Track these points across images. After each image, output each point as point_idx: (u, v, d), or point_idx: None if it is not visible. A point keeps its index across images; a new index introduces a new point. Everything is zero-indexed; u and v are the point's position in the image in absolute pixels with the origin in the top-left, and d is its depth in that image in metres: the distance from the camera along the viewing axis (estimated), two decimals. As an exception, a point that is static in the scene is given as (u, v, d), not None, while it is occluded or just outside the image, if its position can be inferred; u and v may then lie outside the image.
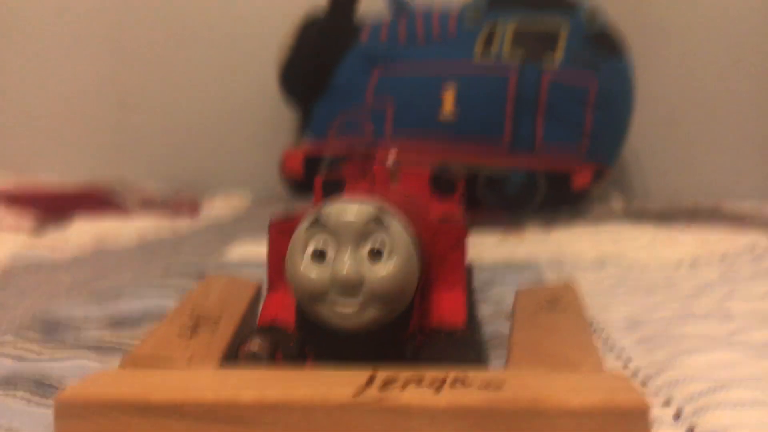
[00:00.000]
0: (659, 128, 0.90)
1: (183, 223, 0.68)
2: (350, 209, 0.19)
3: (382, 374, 0.17)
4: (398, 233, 0.19)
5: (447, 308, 0.21)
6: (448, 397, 0.16)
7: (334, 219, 0.19)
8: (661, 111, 0.90)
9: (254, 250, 0.52)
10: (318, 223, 0.19)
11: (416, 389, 0.17)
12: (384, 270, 0.19)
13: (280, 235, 0.22)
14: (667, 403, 0.22)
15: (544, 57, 0.74)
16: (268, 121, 0.94)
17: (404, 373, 0.17)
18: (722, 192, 0.84)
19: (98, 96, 0.96)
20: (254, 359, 0.19)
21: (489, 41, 0.77)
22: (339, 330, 0.19)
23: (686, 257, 0.46)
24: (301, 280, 0.19)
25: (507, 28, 0.76)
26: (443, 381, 0.17)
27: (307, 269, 0.19)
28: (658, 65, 0.89)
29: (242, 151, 0.95)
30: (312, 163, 0.81)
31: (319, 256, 0.19)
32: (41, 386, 0.24)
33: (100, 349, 0.29)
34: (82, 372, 0.26)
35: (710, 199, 0.80)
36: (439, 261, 0.22)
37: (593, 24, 0.76)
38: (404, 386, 0.17)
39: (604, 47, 0.76)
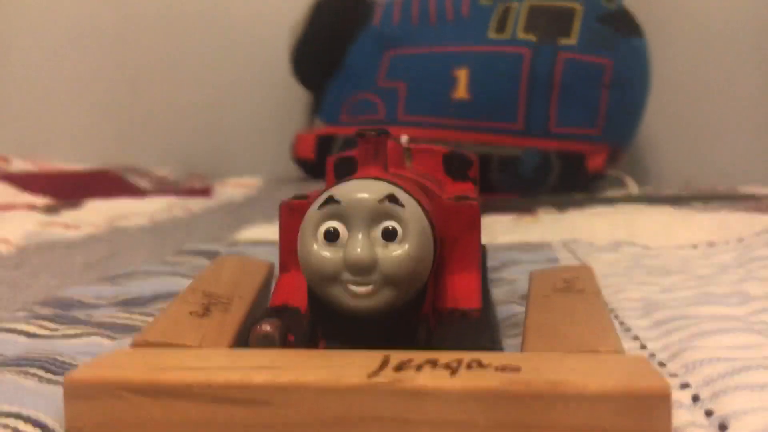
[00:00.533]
0: (674, 111, 0.89)
1: (195, 205, 0.68)
2: (363, 189, 0.19)
3: (396, 356, 0.17)
4: (412, 213, 0.19)
5: (461, 290, 0.21)
6: (463, 379, 0.16)
7: (346, 199, 0.19)
8: (677, 94, 0.89)
9: (267, 231, 0.52)
10: (330, 203, 0.19)
11: (431, 371, 0.16)
12: (398, 251, 0.18)
13: (292, 215, 0.21)
14: (684, 385, 0.22)
15: (558, 37, 0.74)
16: (279, 104, 0.93)
17: (419, 355, 0.17)
18: (738, 177, 0.83)
19: (110, 80, 0.96)
20: (266, 341, 0.19)
21: (503, 21, 0.76)
22: (351, 312, 0.19)
23: (703, 239, 0.46)
24: (313, 261, 0.19)
25: (521, 8, 0.75)
26: (459, 363, 0.17)
27: (319, 250, 0.19)
28: (675, 47, 0.88)
29: (254, 133, 0.95)
30: (324, 145, 0.80)
31: (332, 236, 0.19)
32: (54, 364, 0.24)
33: (112, 327, 0.29)
34: (95, 350, 0.26)
35: (726, 184, 0.79)
36: (453, 242, 0.21)
37: (609, 4, 0.75)
38: (419, 368, 0.17)
39: (619, 27, 0.75)
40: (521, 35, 0.75)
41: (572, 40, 0.73)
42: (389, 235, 0.18)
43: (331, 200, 0.19)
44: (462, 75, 0.76)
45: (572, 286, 0.21)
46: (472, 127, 0.75)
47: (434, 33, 0.78)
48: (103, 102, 0.96)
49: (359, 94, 0.80)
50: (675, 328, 0.26)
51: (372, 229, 0.19)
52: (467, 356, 0.17)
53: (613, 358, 0.17)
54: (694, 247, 0.45)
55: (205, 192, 0.78)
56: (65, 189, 0.70)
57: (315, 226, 0.19)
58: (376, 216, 0.19)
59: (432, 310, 0.20)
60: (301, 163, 0.83)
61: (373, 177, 0.19)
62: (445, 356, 0.17)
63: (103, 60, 0.96)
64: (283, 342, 0.19)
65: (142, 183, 0.80)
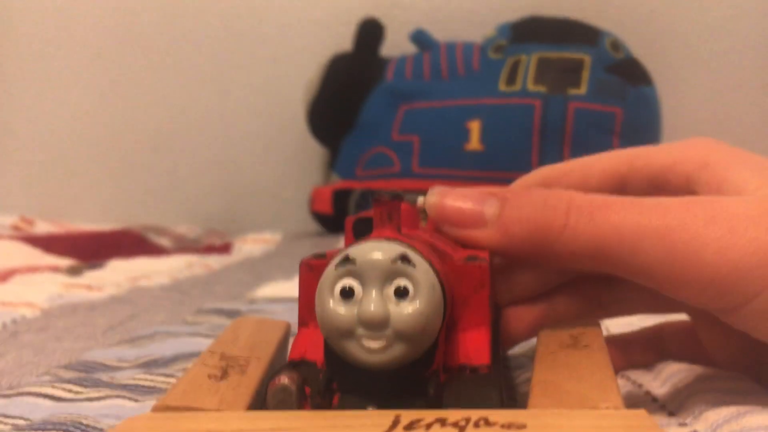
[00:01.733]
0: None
1: (215, 262, 0.69)
2: (377, 249, 0.20)
3: (407, 415, 0.18)
4: (423, 273, 0.20)
5: (471, 347, 0.21)
6: (471, 436, 0.16)
7: (361, 259, 0.19)
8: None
9: (285, 288, 0.53)
10: (346, 263, 0.20)
11: (441, 429, 0.17)
12: (409, 309, 0.19)
13: (311, 273, 0.22)
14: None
15: (568, 88, 0.75)
16: (296, 160, 0.95)
17: (429, 414, 0.18)
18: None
19: (129, 141, 0.98)
20: (283, 394, 0.20)
21: (513, 74, 0.77)
22: (365, 366, 0.19)
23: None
24: (329, 317, 0.19)
25: (530, 61, 0.77)
26: (467, 421, 0.17)
27: (335, 307, 0.19)
28: (684, 94, 0.89)
29: (272, 189, 0.96)
30: (341, 199, 0.82)
31: (347, 294, 0.19)
32: (79, 427, 0.25)
33: (135, 389, 0.30)
34: (118, 412, 0.27)
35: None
36: (463, 301, 0.22)
37: (616, 53, 0.77)
38: (429, 427, 0.17)
39: (628, 76, 0.76)
40: (531, 87, 0.76)
41: (582, 90, 0.75)
42: (401, 293, 0.19)
43: (347, 260, 0.20)
44: (474, 127, 0.77)
45: (578, 342, 0.22)
46: (486, 178, 0.76)
47: (446, 87, 0.80)
48: (122, 162, 0.98)
49: (374, 148, 0.81)
50: (681, 379, 0.27)
51: (385, 288, 0.19)
52: (475, 414, 0.17)
53: (616, 414, 0.17)
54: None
55: (224, 249, 0.79)
56: (87, 250, 0.71)
57: (332, 284, 0.20)
58: (389, 275, 0.19)
59: (443, 367, 0.21)
60: (319, 217, 0.84)
61: (387, 238, 0.20)
62: (453, 415, 0.17)
63: (122, 121, 0.98)
64: (301, 394, 0.20)
65: (163, 241, 0.82)
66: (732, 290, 0.20)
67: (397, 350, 0.19)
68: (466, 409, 0.18)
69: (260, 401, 0.22)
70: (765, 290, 0.20)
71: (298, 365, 0.21)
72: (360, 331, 0.19)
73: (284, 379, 0.20)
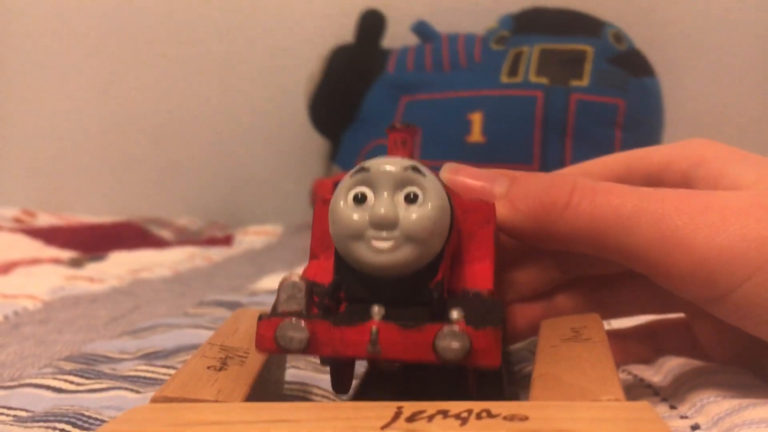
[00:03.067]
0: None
1: (216, 254, 0.69)
2: (390, 161, 0.21)
3: (409, 407, 0.18)
4: (432, 182, 0.21)
5: (475, 275, 0.22)
6: (473, 428, 0.16)
7: (375, 168, 0.21)
8: (690, 132, 0.89)
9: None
10: (360, 172, 0.21)
11: (443, 421, 0.17)
12: (418, 212, 0.20)
13: (325, 206, 0.23)
14: (695, 427, 0.22)
15: (570, 79, 0.75)
16: (298, 152, 0.95)
17: (431, 406, 0.18)
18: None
19: (131, 133, 0.98)
20: (293, 288, 0.20)
21: (515, 65, 0.77)
22: (373, 269, 0.20)
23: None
24: (341, 220, 0.20)
25: (533, 52, 0.77)
26: (469, 413, 0.17)
27: (348, 210, 0.20)
28: (687, 85, 0.89)
29: (273, 181, 0.96)
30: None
31: (360, 200, 0.20)
32: (80, 419, 0.25)
33: (136, 381, 0.30)
34: (120, 404, 0.27)
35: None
36: (469, 236, 0.23)
37: (619, 45, 0.76)
38: (431, 419, 0.17)
39: (630, 68, 0.75)
40: (533, 78, 0.76)
41: (584, 82, 0.74)
42: (411, 199, 0.20)
43: (361, 169, 0.21)
44: (476, 119, 0.77)
45: (579, 335, 0.22)
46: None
47: (448, 78, 0.80)
48: (124, 154, 0.98)
49: (376, 140, 0.81)
50: (682, 372, 0.27)
51: (396, 194, 0.20)
52: (477, 407, 0.17)
53: (619, 406, 0.17)
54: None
55: (225, 241, 0.79)
56: (89, 242, 0.71)
57: (346, 191, 0.21)
58: (400, 182, 0.20)
59: (447, 291, 0.21)
60: (320, 209, 0.84)
61: (400, 155, 0.22)
62: (455, 407, 0.17)
63: (123, 113, 0.98)
64: (309, 296, 0.20)
65: (164, 233, 0.82)
66: (720, 275, 0.21)
67: (405, 252, 0.20)
68: (468, 314, 0.19)
69: (259, 391, 0.22)
70: (752, 276, 0.21)
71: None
72: (370, 233, 0.20)
73: (295, 277, 0.20)
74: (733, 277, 0.21)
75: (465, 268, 0.22)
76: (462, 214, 0.23)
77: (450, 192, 0.22)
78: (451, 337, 0.19)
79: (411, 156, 0.22)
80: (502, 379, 0.20)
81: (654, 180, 0.26)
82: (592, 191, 0.22)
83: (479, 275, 0.22)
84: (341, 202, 0.20)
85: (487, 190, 0.24)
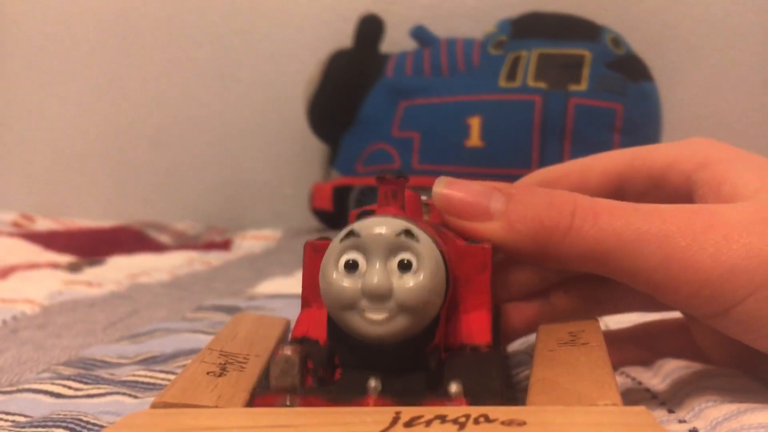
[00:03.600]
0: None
1: (215, 258, 0.69)
2: (381, 224, 0.20)
3: (407, 412, 0.18)
4: (427, 247, 0.20)
5: (473, 328, 0.22)
6: (471, 433, 0.16)
7: (365, 232, 0.20)
8: (688, 136, 0.89)
9: (285, 284, 0.53)
10: (351, 237, 0.20)
11: (440, 426, 0.17)
12: (412, 281, 0.19)
13: (315, 254, 0.22)
14: (693, 431, 0.22)
15: (568, 84, 0.75)
16: (296, 156, 0.95)
17: (428, 411, 0.18)
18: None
19: (129, 138, 0.98)
20: (286, 364, 0.20)
21: (513, 70, 0.77)
22: (368, 339, 0.20)
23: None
24: (333, 289, 0.20)
25: (531, 56, 0.77)
26: (467, 418, 0.17)
27: (339, 279, 0.20)
28: (685, 90, 0.89)
29: (272, 186, 0.96)
30: (341, 195, 0.81)
31: (352, 267, 0.20)
32: (78, 424, 0.25)
33: (134, 386, 0.30)
34: (118, 409, 0.27)
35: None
36: (465, 283, 0.22)
37: (617, 49, 0.77)
38: (428, 423, 0.17)
39: (628, 72, 0.76)
40: (532, 83, 0.76)
41: (582, 86, 0.74)
42: (405, 267, 0.20)
43: (351, 234, 0.20)
44: (475, 123, 0.77)
45: (577, 339, 0.22)
46: (486, 175, 0.76)
47: (446, 83, 0.80)
48: (122, 159, 0.98)
49: (374, 144, 0.81)
50: (680, 376, 0.27)
51: (389, 261, 0.20)
52: (475, 411, 0.17)
53: (616, 410, 0.17)
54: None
55: (224, 245, 0.79)
56: (87, 246, 0.71)
57: (336, 257, 0.20)
58: (392, 248, 0.20)
59: (444, 346, 0.21)
60: (319, 213, 0.84)
61: (392, 215, 0.21)
62: (453, 412, 0.17)
63: (121, 118, 0.98)
64: (303, 367, 0.20)
65: (163, 238, 0.82)
66: (724, 292, 0.21)
67: (400, 322, 0.19)
68: (467, 383, 0.19)
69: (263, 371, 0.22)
70: (754, 293, 0.21)
71: (300, 341, 0.21)
72: (363, 303, 0.19)
73: (287, 351, 0.20)
74: (737, 294, 0.21)
75: (462, 318, 0.22)
76: (458, 260, 0.22)
77: (445, 237, 0.22)
78: None
79: (402, 207, 0.21)
80: (500, 364, 0.20)
81: (656, 180, 0.26)
82: (593, 214, 0.22)
83: (476, 327, 0.22)
84: (333, 272, 0.20)
85: (483, 206, 0.23)
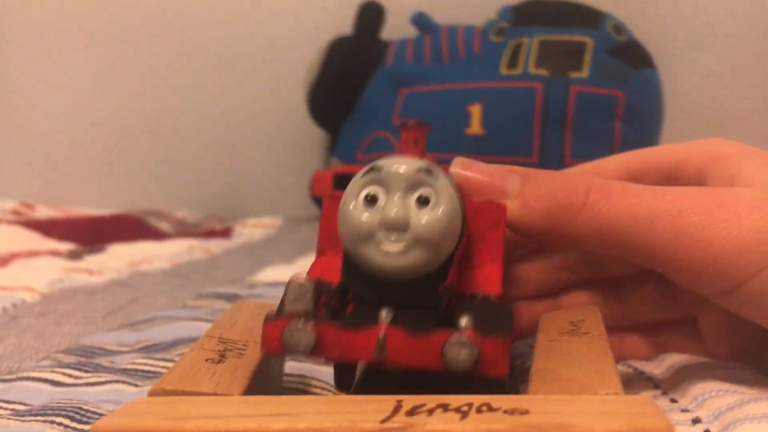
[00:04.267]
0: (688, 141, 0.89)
1: (215, 246, 0.69)
2: (403, 161, 0.20)
3: (409, 400, 0.18)
4: (445, 185, 0.20)
5: (484, 278, 0.22)
6: (474, 422, 0.16)
7: (387, 168, 0.20)
8: (690, 124, 0.89)
9: (285, 272, 0.53)
10: (372, 171, 0.20)
11: (443, 414, 0.17)
12: (429, 215, 0.20)
13: (334, 204, 0.22)
14: (696, 420, 0.22)
15: (570, 71, 0.74)
16: (297, 144, 0.95)
17: (431, 399, 0.18)
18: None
19: (130, 125, 0.98)
20: (300, 289, 0.20)
21: (514, 57, 0.77)
22: (383, 272, 0.20)
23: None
24: (351, 220, 0.20)
25: (532, 43, 0.76)
26: (470, 406, 0.17)
27: (358, 211, 0.20)
28: (687, 77, 0.88)
29: (272, 173, 0.96)
30: (341, 183, 0.81)
31: (371, 200, 0.20)
32: (78, 412, 0.25)
33: (134, 374, 0.30)
34: (118, 397, 0.27)
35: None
36: (479, 238, 0.22)
37: (619, 36, 0.76)
38: (431, 412, 0.17)
39: (630, 59, 0.75)
40: (533, 70, 0.75)
41: (584, 74, 0.74)
42: (423, 202, 0.20)
43: (372, 169, 0.20)
44: (475, 111, 0.76)
45: (578, 328, 0.22)
46: (488, 162, 0.76)
47: (447, 70, 0.80)
48: (123, 147, 0.98)
49: (374, 132, 0.81)
50: (683, 367, 0.26)
51: (408, 196, 0.20)
52: (477, 400, 0.17)
53: (620, 400, 0.17)
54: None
55: (224, 233, 0.79)
56: (88, 234, 0.71)
57: (357, 191, 0.20)
58: (412, 184, 0.20)
59: (455, 294, 0.21)
60: (319, 201, 0.84)
61: (412, 155, 0.21)
62: (456, 400, 0.17)
63: (121, 106, 0.98)
64: (317, 297, 0.20)
65: (163, 226, 0.82)
66: (734, 267, 0.21)
67: (415, 256, 0.20)
68: (477, 321, 0.19)
69: (258, 384, 0.22)
70: (766, 267, 0.21)
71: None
72: (380, 235, 0.20)
73: (303, 277, 0.20)
74: (748, 269, 0.21)
75: (474, 271, 0.22)
76: (472, 216, 0.23)
77: (461, 193, 0.22)
78: (460, 346, 0.18)
79: (423, 155, 0.22)
80: (509, 312, 0.20)
81: (670, 176, 0.26)
82: (607, 192, 0.22)
83: (488, 279, 0.22)
84: (352, 203, 0.20)
85: (499, 187, 0.23)
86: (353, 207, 0.20)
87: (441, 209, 0.20)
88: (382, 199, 0.20)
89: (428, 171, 0.20)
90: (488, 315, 0.20)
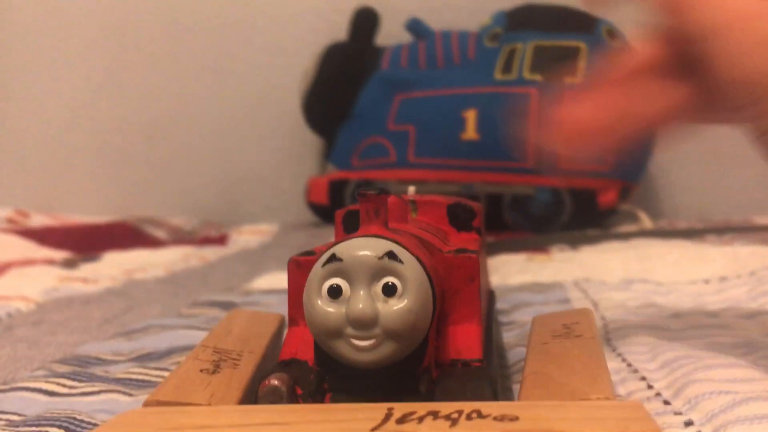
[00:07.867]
0: (685, 144, 0.89)
1: (211, 253, 0.69)
2: (363, 247, 0.19)
3: (399, 408, 0.18)
4: (412, 269, 0.19)
5: (462, 341, 0.21)
6: (463, 429, 0.16)
7: (348, 257, 0.19)
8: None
9: (281, 280, 0.53)
10: (333, 261, 0.19)
11: (433, 422, 0.17)
12: (398, 306, 0.19)
13: (299, 270, 0.22)
14: (688, 423, 0.22)
15: (564, 76, 0.74)
16: (292, 150, 0.95)
17: (421, 407, 0.18)
18: (752, 208, 0.82)
19: (124, 132, 0.98)
20: (274, 396, 0.19)
21: (509, 62, 0.77)
22: (355, 365, 0.19)
23: (716, 274, 0.46)
24: (317, 317, 0.19)
25: (526, 49, 0.77)
26: (459, 414, 0.17)
27: (323, 306, 0.19)
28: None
29: (268, 180, 0.96)
30: (337, 189, 0.81)
31: (335, 293, 0.19)
32: (72, 423, 0.25)
33: (129, 384, 0.30)
34: (112, 407, 0.27)
35: (740, 215, 0.79)
36: (454, 293, 0.22)
37: (613, 41, 0.76)
38: (421, 420, 0.17)
39: (624, 64, 0.75)
40: (527, 75, 0.76)
41: (578, 79, 0.74)
42: (389, 291, 0.19)
43: (333, 258, 0.19)
44: (470, 116, 0.77)
45: (571, 331, 0.22)
46: (483, 168, 0.76)
47: (442, 76, 0.80)
48: (118, 154, 0.98)
49: (370, 138, 0.81)
50: (679, 366, 0.26)
51: (373, 285, 0.19)
52: (467, 407, 0.17)
53: (609, 405, 0.17)
54: (707, 282, 0.45)
55: (220, 240, 0.79)
56: (83, 242, 0.71)
57: (319, 283, 0.20)
58: (376, 272, 0.19)
59: (434, 362, 0.21)
60: (315, 207, 0.84)
61: (374, 235, 0.20)
62: (446, 408, 0.17)
63: (117, 112, 0.98)
64: (291, 395, 0.20)
65: (158, 233, 0.81)
66: None
67: (387, 348, 0.19)
68: (459, 397, 0.18)
69: (253, 395, 0.22)
70: None
71: (288, 365, 0.21)
72: (349, 330, 0.19)
73: (274, 381, 0.20)
74: None
75: (451, 330, 0.22)
76: (445, 271, 0.22)
77: (431, 249, 0.22)
78: None
79: (385, 224, 0.21)
80: (492, 380, 0.20)
81: None
82: None
83: (467, 341, 0.21)
84: (317, 299, 0.19)
85: None
86: (319, 303, 0.19)
87: (409, 297, 0.19)
88: (346, 290, 0.19)
89: (392, 256, 0.19)
90: (471, 394, 0.19)
